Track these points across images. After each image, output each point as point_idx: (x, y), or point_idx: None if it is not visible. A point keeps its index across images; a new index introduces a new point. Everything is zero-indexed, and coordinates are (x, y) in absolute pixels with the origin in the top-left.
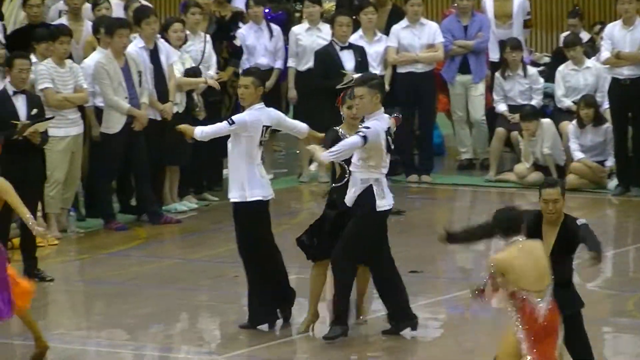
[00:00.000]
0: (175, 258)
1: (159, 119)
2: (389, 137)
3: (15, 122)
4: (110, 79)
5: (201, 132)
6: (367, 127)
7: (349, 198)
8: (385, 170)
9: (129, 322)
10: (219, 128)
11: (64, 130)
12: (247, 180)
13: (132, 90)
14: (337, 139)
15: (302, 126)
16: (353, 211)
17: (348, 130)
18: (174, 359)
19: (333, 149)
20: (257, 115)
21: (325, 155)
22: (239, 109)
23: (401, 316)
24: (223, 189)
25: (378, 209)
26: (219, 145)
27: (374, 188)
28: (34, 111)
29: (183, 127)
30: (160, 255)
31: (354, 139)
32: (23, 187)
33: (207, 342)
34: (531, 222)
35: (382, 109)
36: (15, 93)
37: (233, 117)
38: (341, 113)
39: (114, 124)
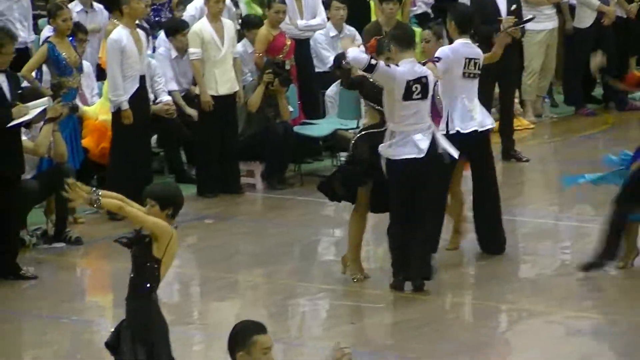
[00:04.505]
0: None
1: (625, 16)
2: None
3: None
4: None
5: None
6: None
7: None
8: None
9: (599, 199)
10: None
11: (542, 24)
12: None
13: None
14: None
15: None
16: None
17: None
18: None
19: None
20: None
21: None
22: None
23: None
24: None
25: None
26: None
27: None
28: (513, 7)
29: None
30: (625, 138)
31: None
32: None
33: None
34: None
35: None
36: None
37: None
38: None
39: (584, 19)
